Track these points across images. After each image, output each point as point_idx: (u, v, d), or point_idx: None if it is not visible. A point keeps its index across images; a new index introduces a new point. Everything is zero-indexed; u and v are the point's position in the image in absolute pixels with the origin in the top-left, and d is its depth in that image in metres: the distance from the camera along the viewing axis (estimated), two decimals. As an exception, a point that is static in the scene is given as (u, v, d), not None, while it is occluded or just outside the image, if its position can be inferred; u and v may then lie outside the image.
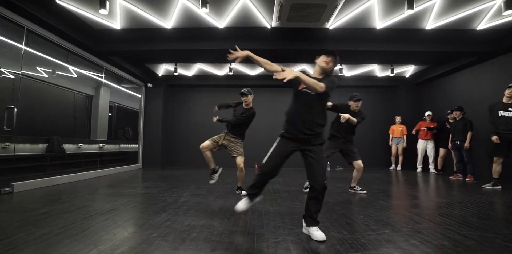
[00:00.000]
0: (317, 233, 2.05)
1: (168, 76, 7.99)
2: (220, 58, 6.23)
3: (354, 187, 4.07)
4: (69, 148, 6.55)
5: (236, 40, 5.10)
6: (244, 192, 3.81)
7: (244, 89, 3.75)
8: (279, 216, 2.75)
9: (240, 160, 3.72)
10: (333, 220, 2.60)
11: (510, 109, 4.33)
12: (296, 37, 5.03)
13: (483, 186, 4.64)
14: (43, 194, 3.88)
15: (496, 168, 4.44)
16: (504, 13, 3.73)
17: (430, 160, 7.07)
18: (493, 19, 4.37)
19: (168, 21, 4.58)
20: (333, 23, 4.57)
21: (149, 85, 8.40)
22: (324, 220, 2.56)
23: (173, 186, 4.64)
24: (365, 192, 4.01)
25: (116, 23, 4.62)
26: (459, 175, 5.94)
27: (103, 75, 6.83)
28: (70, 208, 3.02)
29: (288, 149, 2.21)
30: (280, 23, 4.47)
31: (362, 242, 2.00)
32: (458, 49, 5.25)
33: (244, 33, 4.93)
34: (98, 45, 5.29)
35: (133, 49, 5.40)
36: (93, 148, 7.49)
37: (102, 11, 3.66)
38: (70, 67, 6.79)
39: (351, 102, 3.93)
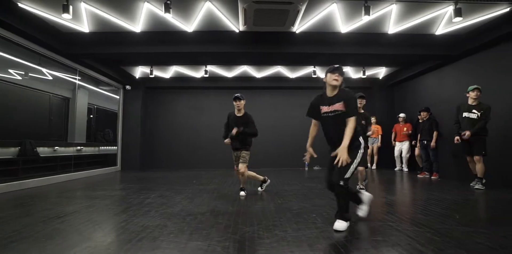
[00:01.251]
0: (335, 224, 2.33)
1: (146, 79, 8.00)
2: (193, 61, 6.31)
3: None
4: (44, 151, 6.49)
5: (206, 44, 5.21)
6: (243, 193, 4.01)
7: (238, 94, 3.84)
8: (235, 215, 2.85)
9: (242, 166, 3.90)
10: (285, 219, 2.72)
11: (474, 111, 4.39)
12: (265, 41, 5.16)
13: (474, 186, 4.43)
14: (8, 199, 3.87)
15: (475, 166, 4.39)
16: (454, 20, 3.94)
17: (404, 160, 7.31)
18: (449, 25, 4.60)
19: (136, 25, 4.62)
20: (299, 27, 4.71)
21: (128, 87, 8.38)
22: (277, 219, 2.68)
23: (144, 188, 4.69)
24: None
25: (84, 27, 4.63)
26: (426, 173, 6.19)
27: (78, 78, 6.80)
28: (30, 212, 3.05)
29: None
30: (247, 27, 4.59)
31: (302, 239, 2.12)
32: (421, 52, 5.49)
33: (214, 37, 5.02)
34: (68, 48, 5.29)
35: (104, 52, 5.42)
36: (70, 150, 7.43)
37: (65, 15, 3.68)
38: (44, 70, 6.73)
39: None
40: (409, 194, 4.26)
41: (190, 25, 4.66)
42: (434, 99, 6.46)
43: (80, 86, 7.40)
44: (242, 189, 4.07)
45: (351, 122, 2.25)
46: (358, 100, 3.79)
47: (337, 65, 2.37)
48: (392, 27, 4.74)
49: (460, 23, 4.39)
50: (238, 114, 3.89)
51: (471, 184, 4.49)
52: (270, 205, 3.35)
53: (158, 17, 4.36)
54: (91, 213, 3.03)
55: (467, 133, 4.34)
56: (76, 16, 4.22)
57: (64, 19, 4.26)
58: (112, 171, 8.02)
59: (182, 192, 4.32)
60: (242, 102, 3.84)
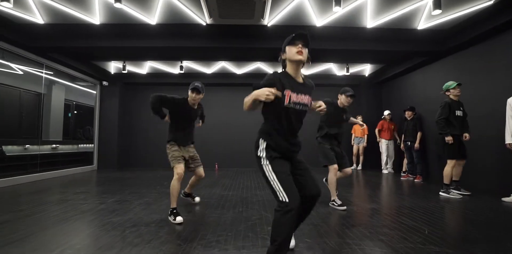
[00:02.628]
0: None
1: (123, 74, 7.66)
2: (164, 56, 5.97)
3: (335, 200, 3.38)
4: (12, 149, 6.20)
5: (174, 37, 4.87)
6: (198, 199, 3.61)
7: (198, 84, 2.96)
8: (183, 227, 2.57)
9: (202, 169, 3.29)
10: (235, 232, 2.45)
11: (461, 108, 4.08)
12: (236, 35, 4.83)
13: (442, 193, 4.11)
14: None
15: (452, 171, 4.01)
16: (433, 13, 3.61)
17: (391, 160, 7.03)
18: (430, 19, 4.28)
19: (95, 17, 4.28)
20: (270, 20, 4.38)
21: (105, 83, 8.05)
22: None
23: (108, 191, 4.42)
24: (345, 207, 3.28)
25: (38, 17, 4.29)
26: (410, 175, 5.92)
27: (48, 72, 6.46)
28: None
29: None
30: (213, 20, 4.25)
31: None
32: (404, 48, 5.16)
33: (179, 30, 4.68)
34: (28, 41, 4.95)
35: (67, 45, 5.07)
36: (44, 148, 7.13)
37: (5, 3, 3.33)
38: (12, 65, 6.39)
39: (342, 97, 3.40)
40: (383, 200, 3.99)
41: (152, 17, 4.32)
42: (420, 97, 6.16)
43: (54, 81, 7.07)
44: (190, 195, 3.60)
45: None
46: (347, 99, 3.37)
47: (300, 32, 1.64)
48: (370, 21, 4.41)
49: (442, 17, 4.08)
50: (193, 107, 3.12)
51: (450, 191, 4.10)
52: (228, 214, 3.07)
53: (115, 9, 4.02)
54: (26, 222, 2.74)
55: (467, 135, 4.03)
56: (23, 5, 3.88)
57: (14, 9, 3.91)
58: (88, 170, 7.73)
59: (144, 196, 4.05)
60: (201, 96, 3.03)
